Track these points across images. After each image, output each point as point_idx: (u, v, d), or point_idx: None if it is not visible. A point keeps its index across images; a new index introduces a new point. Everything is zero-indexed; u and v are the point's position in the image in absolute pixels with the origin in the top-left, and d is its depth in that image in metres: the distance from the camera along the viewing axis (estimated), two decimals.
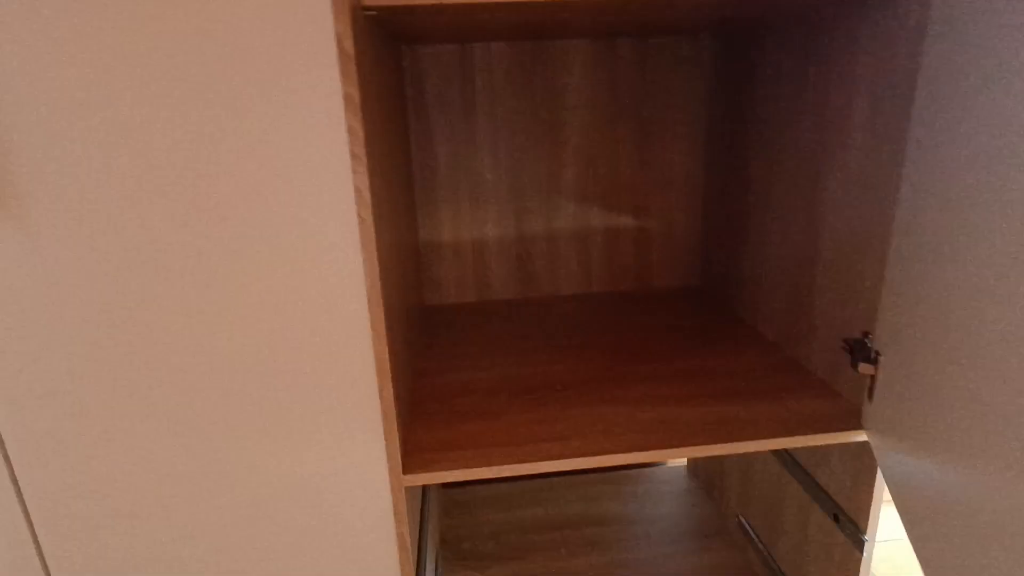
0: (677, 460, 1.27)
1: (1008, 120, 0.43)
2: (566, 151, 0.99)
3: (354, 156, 0.48)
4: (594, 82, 0.96)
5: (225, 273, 0.52)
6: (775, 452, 0.85)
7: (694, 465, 1.20)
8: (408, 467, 0.59)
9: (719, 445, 0.60)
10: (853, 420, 0.63)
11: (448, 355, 0.86)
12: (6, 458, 0.55)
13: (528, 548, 1.04)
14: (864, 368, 0.61)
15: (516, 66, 0.94)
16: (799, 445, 0.62)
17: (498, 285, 1.05)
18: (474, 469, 0.59)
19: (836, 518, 0.71)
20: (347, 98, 0.47)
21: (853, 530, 0.67)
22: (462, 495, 1.18)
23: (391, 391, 0.55)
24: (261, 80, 0.48)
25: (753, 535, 0.94)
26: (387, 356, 0.54)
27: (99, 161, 0.48)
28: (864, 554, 0.66)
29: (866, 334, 0.62)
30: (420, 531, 0.71)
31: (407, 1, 0.50)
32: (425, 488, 0.81)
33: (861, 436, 0.62)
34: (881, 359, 0.59)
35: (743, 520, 0.98)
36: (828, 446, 0.72)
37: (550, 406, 0.70)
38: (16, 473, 0.55)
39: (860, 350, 0.62)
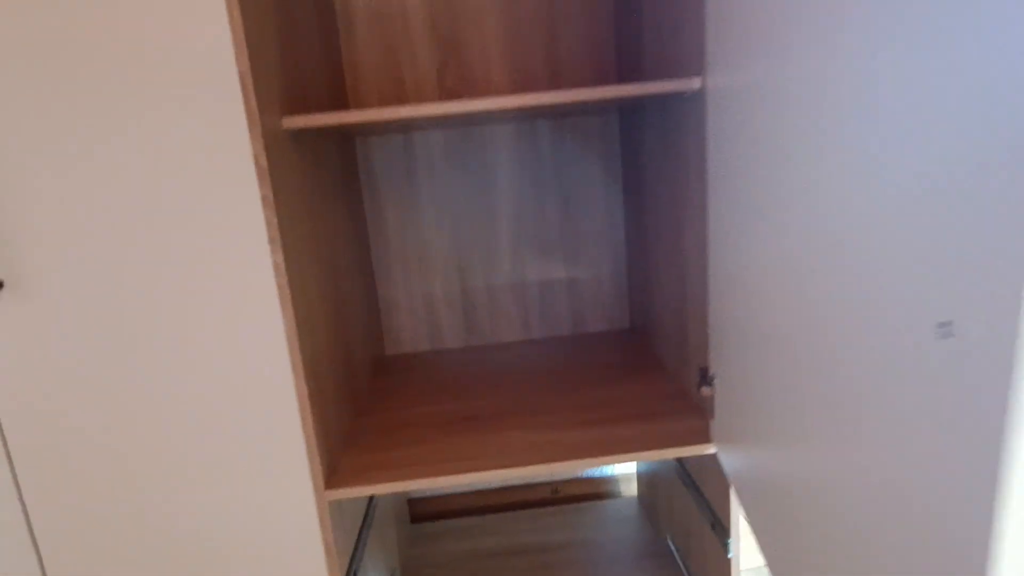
0: (629, 491, 1.36)
1: (757, 186, 0.57)
2: (499, 215, 1.15)
3: (271, 240, 0.64)
4: (519, 156, 1.13)
5: (187, 328, 0.67)
6: (680, 475, 0.96)
7: (641, 494, 1.30)
8: (331, 484, 0.72)
9: (589, 459, 0.72)
10: (706, 436, 0.75)
11: (395, 396, 1.00)
12: (14, 474, 0.70)
13: (482, 573, 1.14)
14: (704, 391, 0.73)
15: (451, 148, 1.12)
16: (657, 458, 0.73)
17: (448, 335, 1.19)
18: (384, 484, 0.72)
19: (713, 527, 0.81)
20: (264, 199, 0.63)
21: (723, 534, 0.78)
22: (427, 528, 1.29)
23: (311, 421, 0.69)
24: (212, 183, 0.64)
25: (675, 553, 1.03)
26: (307, 393, 0.69)
27: (87, 255, 0.64)
28: (730, 554, 0.76)
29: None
30: (356, 548, 0.83)
31: (311, 124, 0.67)
32: (368, 513, 0.93)
33: (711, 448, 0.73)
34: (716, 382, 0.72)
35: (670, 541, 1.07)
36: (708, 463, 0.83)
37: (468, 434, 0.83)
38: (23, 492, 0.70)
39: (703, 376, 0.74)
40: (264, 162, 0.62)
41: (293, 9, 0.79)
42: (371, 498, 0.96)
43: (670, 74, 0.83)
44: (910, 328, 0.35)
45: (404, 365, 1.14)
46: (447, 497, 1.35)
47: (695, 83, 0.70)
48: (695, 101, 0.73)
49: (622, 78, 1.08)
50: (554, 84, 1.10)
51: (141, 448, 0.69)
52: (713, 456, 0.76)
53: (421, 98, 1.09)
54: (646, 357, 1.06)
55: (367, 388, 1.03)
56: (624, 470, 1.36)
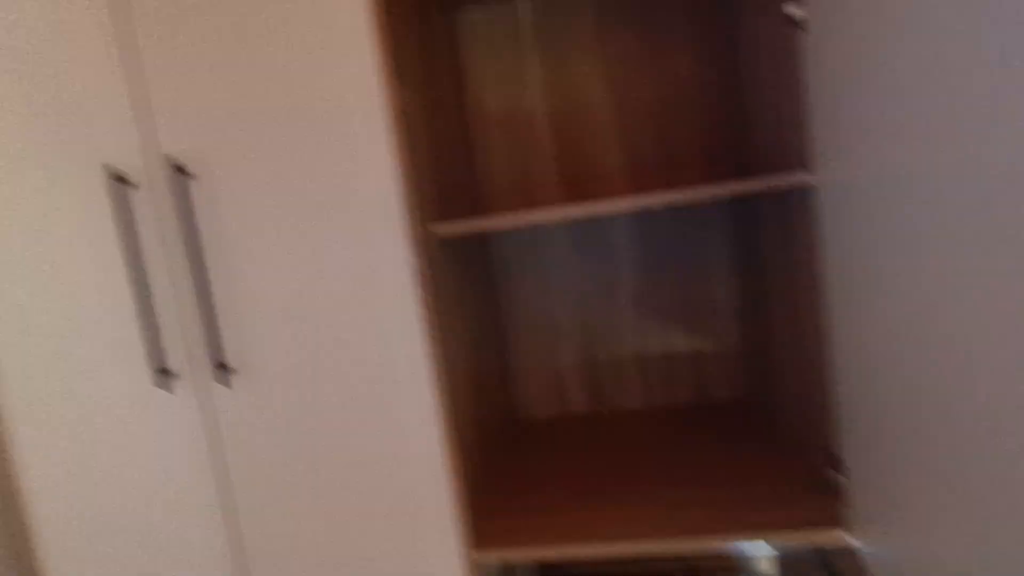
0: (770, 572, 1.31)
1: (880, 276, 0.60)
2: (621, 291, 1.22)
3: (428, 334, 0.77)
4: (637, 235, 1.20)
5: (361, 405, 0.81)
6: (816, 560, 0.93)
7: None
8: (477, 546, 0.81)
9: (710, 538, 0.75)
10: (839, 522, 0.74)
11: (529, 460, 1.08)
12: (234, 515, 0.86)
13: None
14: (835, 476, 0.73)
15: (575, 232, 1.22)
16: (786, 541, 0.74)
17: (574, 401, 1.27)
18: (527, 549, 0.79)
19: None
20: (421, 300, 0.76)
21: None
22: None
23: (458, 487, 0.79)
24: (383, 284, 0.78)
25: None
26: (454, 463, 0.79)
27: (293, 347, 0.81)
28: None
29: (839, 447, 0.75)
30: None
31: (458, 231, 0.80)
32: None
33: (845, 536, 0.73)
34: (848, 469, 0.72)
35: None
36: (848, 552, 0.81)
37: (599, 504, 0.88)
38: (243, 534, 0.86)
39: (832, 461, 0.74)
40: (422, 268, 0.76)
41: (441, 126, 0.95)
42: (507, 563, 1.03)
43: (780, 167, 0.87)
44: None
45: (534, 429, 1.23)
46: (580, 563, 1.39)
47: (803, 177, 0.74)
48: (806, 192, 0.76)
49: (734, 165, 1.13)
50: (667, 171, 1.17)
51: (324, 501, 0.83)
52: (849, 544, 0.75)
53: (545, 187, 1.21)
54: (769, 431, 1.05)
55: (502, 451, 1.12)
56: (764, 550, 1.32)
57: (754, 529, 0.75)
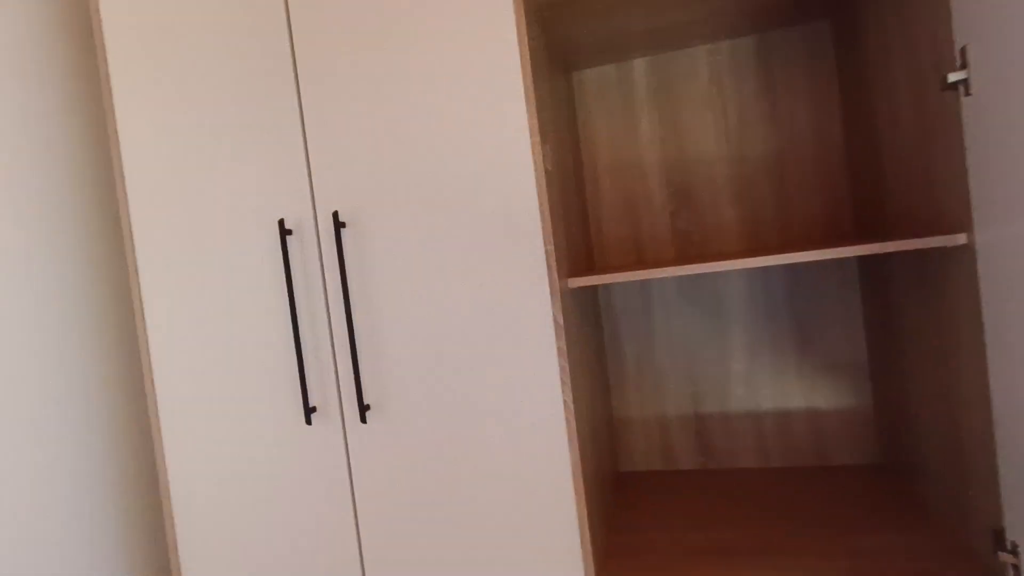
0: None
1: None
2: (732, 344, 1.20)
3: (563, 383, 0.78)
4: (750, 287, 1.18)
5: (491, 447, 0.83)
6: None
7: None
8: None
9: None
10: None
11: (638, 516, 1.06)
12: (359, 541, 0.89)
13: None
14: (1004, 557, 0.68)
15: (684, 283, 1.22)
16: None
17: (681, 456, 1.24)
18: None
19: None
20: (559, 349, 0.78)
21: None
22: None
23: (588, 538, 0.79)
24: (519, 333, 0.81)
25: None
26: (585, 514, 0.79)
27: (425, 386, 0.84)
28: None
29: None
30: None
31: (587, 283, 0.82)
32: None
33: None
34: (1018, 547, 0.66)
35: None
36: None
37: (720, 570, 0.86)
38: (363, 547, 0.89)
39: (998, 541, 0.69)
40: (560, 319, 0.78)
41: (566, 180, 0.99)
42: None
43: (922, 227, 0.84)
44: None
45: (639, 483, 1.20)
46: None
47: (959, 239, 0.72)
48: (959, 253, 0.74)
49: (857, 223, 1.11)
50: (783, 225, 1.16)
51: (446, 532, 0.85)
52: None
53: (656, 238, 1.22)
54: (905, 500, 0.99)
55: (610, 504, 1.10)
56: None
57: None
